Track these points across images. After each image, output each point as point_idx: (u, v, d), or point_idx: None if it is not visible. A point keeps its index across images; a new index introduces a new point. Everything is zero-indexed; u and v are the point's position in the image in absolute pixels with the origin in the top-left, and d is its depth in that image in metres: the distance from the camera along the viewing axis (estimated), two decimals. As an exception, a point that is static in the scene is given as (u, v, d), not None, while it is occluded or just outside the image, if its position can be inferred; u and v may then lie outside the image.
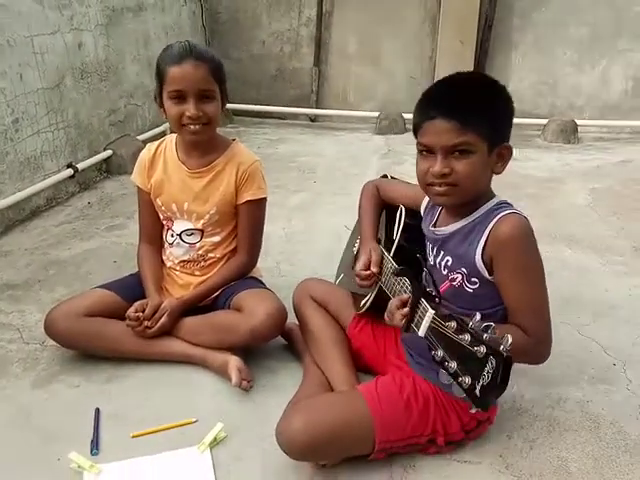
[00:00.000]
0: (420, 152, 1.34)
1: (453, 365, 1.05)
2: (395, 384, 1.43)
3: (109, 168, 3.71)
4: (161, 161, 1.89)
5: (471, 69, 4.64)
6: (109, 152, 3.66)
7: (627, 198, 3.28)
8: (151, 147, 1.92)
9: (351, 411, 1.37)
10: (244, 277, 1.93)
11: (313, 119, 5.22)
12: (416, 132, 1.34)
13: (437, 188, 1.31)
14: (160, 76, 1.73)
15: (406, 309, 1.23)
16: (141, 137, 4.02)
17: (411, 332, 1.22)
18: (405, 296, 1.27)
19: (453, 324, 1.07)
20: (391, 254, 1.57)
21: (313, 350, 1.71)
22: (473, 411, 1.04)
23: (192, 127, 1.73)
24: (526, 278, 1.30)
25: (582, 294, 2.26)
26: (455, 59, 4.66)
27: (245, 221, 1.89)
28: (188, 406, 1.65)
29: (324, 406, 1.41)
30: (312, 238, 2.81)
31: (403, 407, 1.39)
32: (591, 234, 2.80)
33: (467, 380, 1.02)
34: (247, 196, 1.85)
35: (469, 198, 1.33)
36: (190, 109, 1.69)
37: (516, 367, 1.10)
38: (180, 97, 1.70)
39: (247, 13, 5.02)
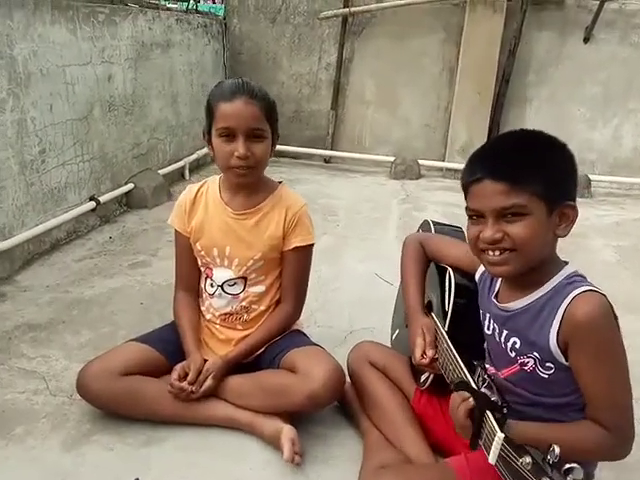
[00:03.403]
0: (470, 217, 1.19)
1: None
2: (487, 461, 1.24)
3: (129, 202, 3.53)
4: (202, 203, 1.71)
5: (487, 121, 4.59)
6: (131, 185, 3.48)
7: (655, 257, 3.16)
8: (192, 188, 1.74)
9: None
10: (288, 330, 1.75)
11: (327, 160, 5.10)
12: (465, 196, 1.20)
13: (492, 256, 1.15)
14: (210, 112, 1.58)
15: (469, 422, 1.07)
16: (161, 171, 3.85)
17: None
18: (470, 403, 1.09)
19: (528, 460, 0.89)
20: (445, 328, 1.39)
21: (378, 419, 1.51)
22: None
23: (239, 170, 1.57)
24: (606, 367, 1.11)
25: (635, 362, 2.09)
26: (471, 110, 4.60)
27: (291, 269, 1.71)
28: (236, 478, 1.44)
29: (415, 477, 1.24)
30: (344, 285, 2.63)
31: None
32: (628, 294, 2.65)
33: None
34: (295, 242, 1.67)
35: (531, 266, 1.15)
36: (239, 148, 1.53)
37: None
38: (229, 135, 1.54)
39: (268, 55, 4.94)
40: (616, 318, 1.14)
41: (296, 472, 1.47)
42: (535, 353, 1.17)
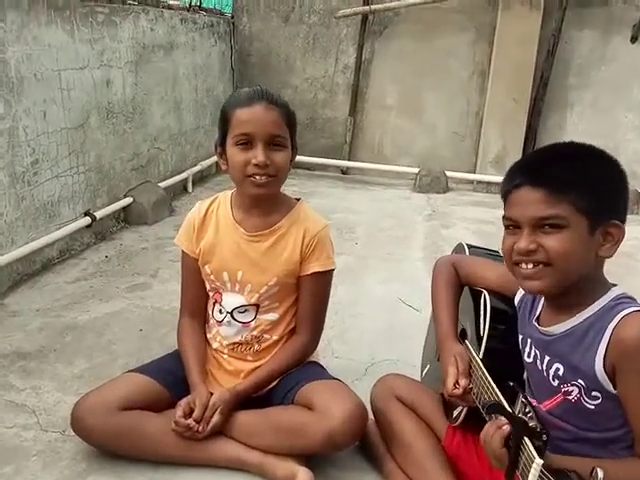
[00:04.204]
0: (506, 227, 1.24)
1: None
2: None
3: (127, 217, 3.58)
4: (212, 222, 1.74)
5: (523, 129, 4.62)
6: (129, 199, 3.54)
7: None
8: (202, 206, 1.77)
9: None
10: (304, 362, 1.76)
11: (344, 171, 5.15)
12: (505, 206, 1.26)
13: (525, 269, 1.19)
14: (225, 121, 1.61)
15: (504, 449, 1.07)
16: (162, 184, 3.91)
17: None
18: (506, 430, 1.09)
19: None
20: (480, 355, 1.40)
21: (404, 461, 1.52)
22: None
23: (258, 178, 1.58)
24: None
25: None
26: (505, 116, 4.62)
27: (308, 296, 1.72)
28: (246, 526, 1.45)
29: None
30: (364, 311, 2.64)
31: None
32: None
33: None
34: (314, 267, 1.69)
35: (567, 284, 1.18)
36: (258, 156, 1.55)
37: None
38: (247, 142, 1.57)
39: (280, 57, 5.02)
40: None
41: (312, 520, 1.48)
42: (580, 380, 1.18)
